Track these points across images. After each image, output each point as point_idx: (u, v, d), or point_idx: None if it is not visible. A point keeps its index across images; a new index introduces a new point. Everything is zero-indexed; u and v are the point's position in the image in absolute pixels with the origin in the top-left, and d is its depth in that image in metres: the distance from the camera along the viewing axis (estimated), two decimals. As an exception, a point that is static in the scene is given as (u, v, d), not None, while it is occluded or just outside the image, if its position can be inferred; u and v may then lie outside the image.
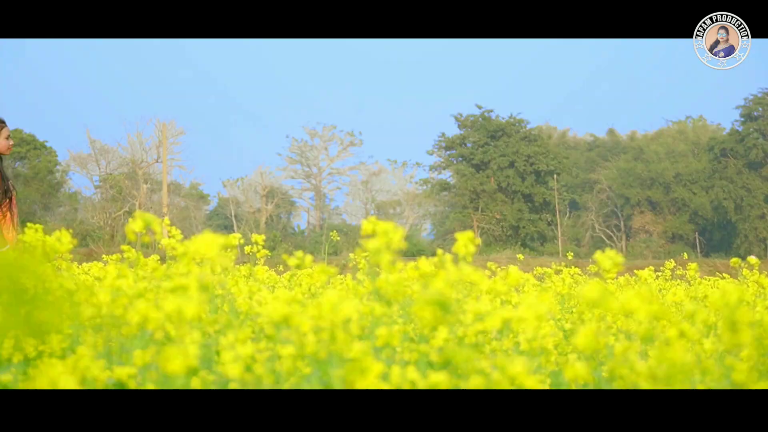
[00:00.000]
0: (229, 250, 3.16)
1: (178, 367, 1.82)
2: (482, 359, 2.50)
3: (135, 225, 2.53)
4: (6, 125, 8.36)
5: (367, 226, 2.42)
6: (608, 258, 2.46)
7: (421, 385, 2.03)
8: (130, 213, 59.34)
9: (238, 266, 5.33)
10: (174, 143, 65.25)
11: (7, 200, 8.16)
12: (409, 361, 2.40)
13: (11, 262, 1.70)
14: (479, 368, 2.15)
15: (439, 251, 2.84)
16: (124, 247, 3.63)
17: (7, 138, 8.33)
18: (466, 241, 2.50)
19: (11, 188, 8.19)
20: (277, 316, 1.97)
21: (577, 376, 2.02)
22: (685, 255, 8.74)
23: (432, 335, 2.27)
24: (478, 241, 2.57)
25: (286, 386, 2.27)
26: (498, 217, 67.90)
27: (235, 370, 2.01)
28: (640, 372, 1.81)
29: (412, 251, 52.08)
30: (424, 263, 2.65)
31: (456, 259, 2.53)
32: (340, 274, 8.56)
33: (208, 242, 2.03)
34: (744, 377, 2.16)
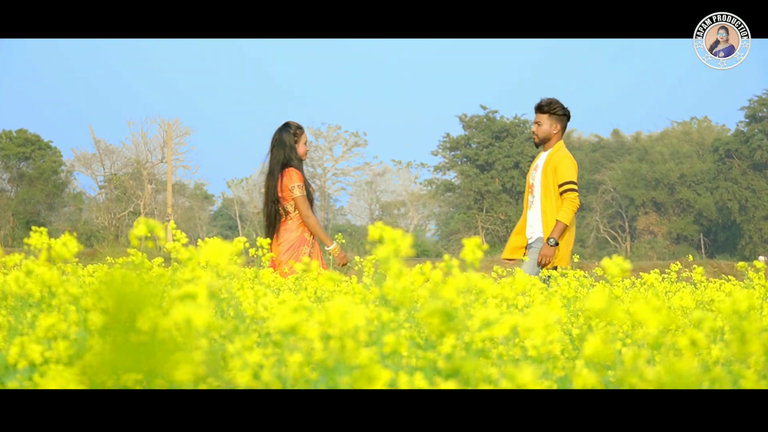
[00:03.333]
0: (236, 255, 3.15)
1: (186, 376, 1.81)
2: (489, 365, 2.50)
3: (138, 230, 2.53)
4: (304, 131, 8.54)
5: (374, 231, 2.41)
6: (616, 264, 2.45)
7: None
8: (134, 213, 59.44)
9: (243, 268, 5.33)
10: (179, 143, 65.30)
11: (310, 202, 8.42)
12: (417, 367, 2.39)
13: (126, 293, 1.69)
14: (487, 375, 2.14)
15: (446, 256, 2.84)
16: (130, 250, 3.63)
17: (305, 143, 8.50)
18: (473, 247, 2.49)
19: (311, 192, 8.47)
20: (284, 326, 1.96)
21: (585, 383, 2.01)
22: (690, 257, 8.70)
23: (439, 341, 2.26)
24: (486, 246, 2.57)
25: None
26: (502, 218, 67.93)
27: (244, 378, 2.01)
28: (649, 380, 1.80)
29: (417, 252, 52.10)
30: (433, 271, 2.64)
31: (463, 265, 2.53)
32: (345, 275, 8.57)
33: (217, 249, 2.03)
34: (752, 385, 2.15)
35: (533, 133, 8.49)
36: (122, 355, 1.70)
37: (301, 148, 8.49)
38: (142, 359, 1.70)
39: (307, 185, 8.45)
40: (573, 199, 8.09)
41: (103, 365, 1.72)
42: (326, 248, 8.44)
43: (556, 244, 8.04)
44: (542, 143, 8.46)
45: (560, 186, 8.16)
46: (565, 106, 8.50)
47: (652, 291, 4.67)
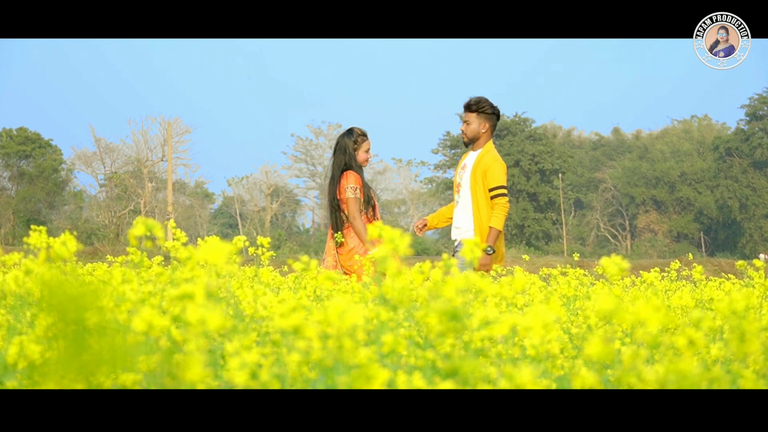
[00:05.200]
0: (235, 255, 3.15)
1: (197, 376, 1.81)
2: (488, 365, 2.50)
3: (137, 230, 2.53)
4: (367, 138, 8.51)
5: (373, 231, 2.42)
6: (614, 264, 2.45)
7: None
8: (135, 212, 59.40)
9: (242, 267, 5.33)
10: (179, 142, 65.28)
11: (371, 207, 8.35)
12: (415, 367, 2.39)
13: (69, 296, 1.69)
14: (485, 374, 2.14)
15: (445, 255, 2.84)
16: (130, 249, 3.63)
17: (367, 151, 8.47)
18: (471, 246, 2.49)
19: (373, 196, 8.42)
20: (286, 326, 1.96)
21: (584, 384, 2.01)
22: (690, 256, 8.69)
23: (438, 341, 2.26)
24: (485, 245, 2.57)
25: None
26: (503, 215, 67.85)
27: (241, 377, 2.01)
28: (648, 380, 1.80)
29: (417, 250, 52.11)
30: (432, 271, 2.64)
31: (462, 264, 2.53)
32: (345, 274, 8.56)
33: (215, 249, 2.02)
34: (751, 384, 2.15)
35: (462, 132, 8.44)
36: (65, 357, 1.69)
37: (361, 156, 8.48)
38: (83, 361, 1.70)
39: (366, 189, 8.41)
40: (504, 205, 8.05)
41: (48, 367, 1.71)
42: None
43: (493, 251, 8.01)
44: (471, 142, 8.41)
45: (491, 191, 8.12)
46: (494, 104, 8.45)
47: (652, 290, 4.67)
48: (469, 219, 8.18)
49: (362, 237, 8.29)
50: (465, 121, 8.39)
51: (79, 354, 1.67)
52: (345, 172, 8.39)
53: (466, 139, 8.41)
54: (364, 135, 8.53)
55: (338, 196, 8.39)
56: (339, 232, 8.39)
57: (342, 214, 8.37)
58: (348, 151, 8.44)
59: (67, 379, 1.71)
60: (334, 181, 8.46)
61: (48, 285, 1.73)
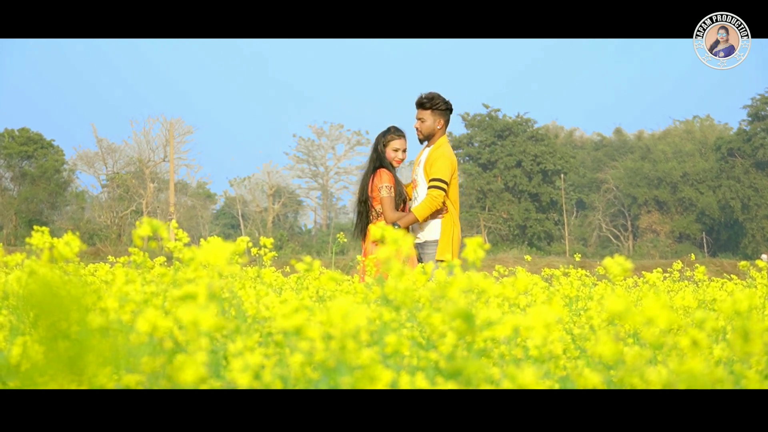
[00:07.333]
0: (238, 256, 3.15)
1: (191, 377, 1.81)
2: (491, 365, 2.50)
3: (142, 230, 2.53)
4: (399, 137, 8.47)
5: (375, 232, 2.41)
6: (618, 264, 2.45)
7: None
8: (137, 212, 59.41)
9: (245, 268, 5.33)
10: (181, 142, 65.32)
11: (402, 202, 8.42)
12: (418, 367, 2.39)
13: (54, 295, 1.69)
14: (489, 375, 2.14)
15: (448, 255, 2.84)
16: (132, 249, 3.63)
17: (396, 150, 8.44)
18: (475, 246, 2.49)
19: (405, 192, 8.46)
20: (289, 327, 1.96)
21: (588, 384, 2.01)
22: (693, 256, 8.68)
23: (441, 342, 2.26)
24: (488, 245, 2.56)
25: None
26: (505, 216, 67.90)
27: (244, 378, 2.01)
28: (651, 381, 1.80)
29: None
30: (435, 271, 2.64)
31: (465, 265, 2.53)
32: (347, 274, 8.56)
33: (216, 250, 2.02)
34: (755, 385, 2.15)
35: (416, 129, 8.44)
36: (51, 357, 1.69)
37: (389, 153, 8.48)
38: (69, 361, 1.70)
39: (398, 186, 8.43)
40: (435, 197, 8.02)
41: (34, 368, 1.72)
42: (412, 205, 8.34)
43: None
44: (427, 139, 8.42)
45: (429, 182, 8.11)
46: (447, 100, 8.43)
47: (654, 289, 4.67)
48: (429, 216, 8.17)
49: (405, 220, 8.34)
50: (419, 119, 8.39)
51: (81, 355, 1.67)
52: (378, 171, 8.41)
53: (421, 137, 8.42)
54: (395, 134, 8.53)
55: (370, 193, 8.41)
56: (356, 231, 8.45)
57: (372, 211, 8.40)
58: (378, 148, 8.47)
59: (67, 381, 1.71)
60: (367, 177, 8.48)
61: (48, 286, 1.73)
